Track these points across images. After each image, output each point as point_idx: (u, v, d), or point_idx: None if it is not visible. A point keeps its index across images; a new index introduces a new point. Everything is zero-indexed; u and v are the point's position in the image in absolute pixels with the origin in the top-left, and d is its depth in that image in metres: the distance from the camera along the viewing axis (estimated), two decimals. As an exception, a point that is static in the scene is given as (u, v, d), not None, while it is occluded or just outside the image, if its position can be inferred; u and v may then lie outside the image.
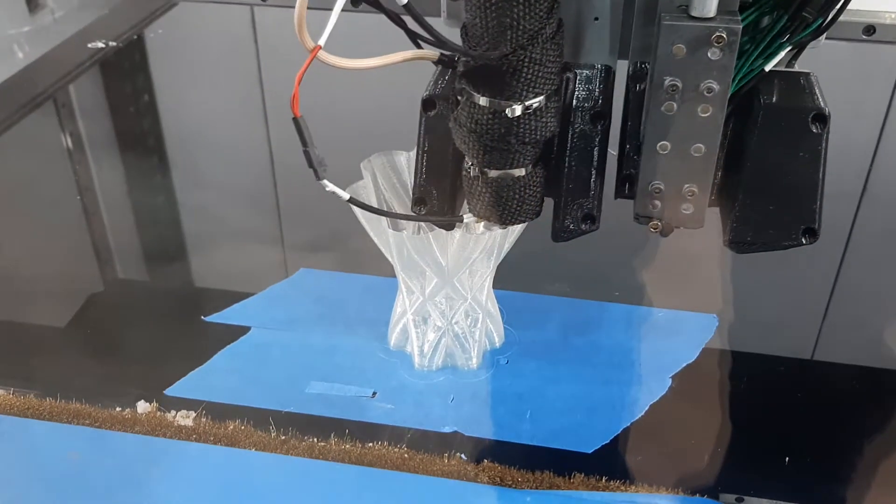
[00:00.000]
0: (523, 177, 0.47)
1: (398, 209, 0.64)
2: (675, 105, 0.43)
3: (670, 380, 0.63)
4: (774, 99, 0.45)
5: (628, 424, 0.60)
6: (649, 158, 0.46)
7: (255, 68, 1.11)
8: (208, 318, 0.69)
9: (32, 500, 0.55)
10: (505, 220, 0.49)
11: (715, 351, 0.66)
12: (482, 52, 0.41)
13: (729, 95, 0.43)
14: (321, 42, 0.41)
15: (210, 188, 0.91)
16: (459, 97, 0.45)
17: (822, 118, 0.45)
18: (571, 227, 0.50)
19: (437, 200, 0.50)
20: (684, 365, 0.65)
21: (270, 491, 0.55)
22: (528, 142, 0.45)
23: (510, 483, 0.55)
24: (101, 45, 1.13)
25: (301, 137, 0.44)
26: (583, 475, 0.56)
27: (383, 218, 0.60)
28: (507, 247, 0.60)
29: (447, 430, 0.60)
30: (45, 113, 1.02)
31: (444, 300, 0.62)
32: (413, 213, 0.51)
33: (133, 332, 0.70)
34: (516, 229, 0.60)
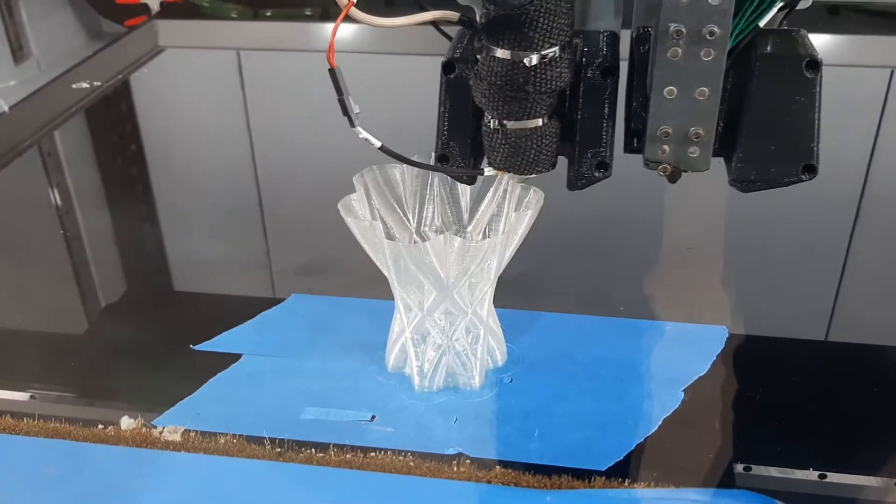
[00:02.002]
0: (539, 127, 0.51)
1: (392, 223, 0.62)
2: (679, 50, 0.47)
3: (682, 393, 0.61)
4: (770, 49, 0.49)
5: (642, 440, 0.57)
6: (657, 104, 0.49)
7: (243, 112, 1.11)
8: (198, 347, 0.66)
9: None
10: (523, 170, 0.52)
11: (728, 362, 0.64)
12: (504, 1, 0.45)
13: (729, 47, 0.47)
14: None
15: (199, 227, 0.89)
16: (479, 56, 0.49)
17: (815, 64, 0.49)
18: (587, 174, 0.53)
19: (458, 157, 0.54)
20: (696, 378, 0.62)
21: (269, 499, 0.52)
22: (544, 91, 0.48)
23: (526, 486, 0.53)
24: (85, 85, 1.12)
25: (336, 86, 0.47)
26: (603, 478, 0.53)
27: (378, 229, 0.58)
28: (507, 256, 0.58)
29: (451, 451, 0.57)
30: (29, 159, 1.01)
31: (444, 316, 0.60)
32: (438, 167, 0.55)
33: (121, 364, 0.67)
34: (516, 238, 0.58)
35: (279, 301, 0.72)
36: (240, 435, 0.57)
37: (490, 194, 0.62)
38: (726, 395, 0.61)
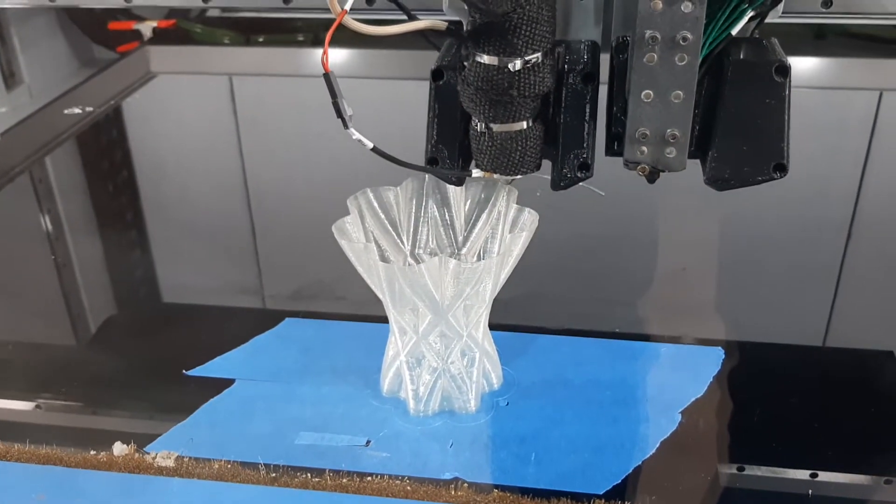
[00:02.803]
0: (524, 130, 0.53)
1: (386, 246, 0.62)
2: (655, 56, 0.50)
3: (679, 415, 0.60)
4: (741, 56, 0.52)
5: (639, 463, 0.57)
6: (635, 107, 0.52)
7: (235, 138, 1.11)
8: (191, 373, 0.66)
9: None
10: (509, 171, 0.55)
11: (724, 384, 0.63)
12: (487, 8, 0.48)
13: (703, 55, 0.50)
14: (347, 7, 0.47)
15: (191, 252, 0.89)
16: (466, 62, 0.51)
17: (784, 69, 0.52)
18: (569, 175, 0.56)
19: (447, 159, 0.56)
20: (693, 399, 0.62)
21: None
22: (527, 95, 0.51)
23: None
24: (77, 111, 1.12)
25: (330, 90, 0.49)
26: (601, 502, 0.53)
27: (373, 251, 0.58)
28: (502, 278, 0.58)
29: (448, 476, 0.56)
30: (21, 186, 1.00)
31: (439, 339, 0.59)
32: (428, 168, 0.57)
33: (114, 390, 0.66)
34: (511, 260, 0.58)
35: (272, 326, 0.71)
36: (234, 461, 0.56)
37: (485, 216, 0.62)
38: (723, 418, 0.61)
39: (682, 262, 0.79)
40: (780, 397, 0.63)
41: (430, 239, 0.63)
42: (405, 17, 0.52)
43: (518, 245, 0.57)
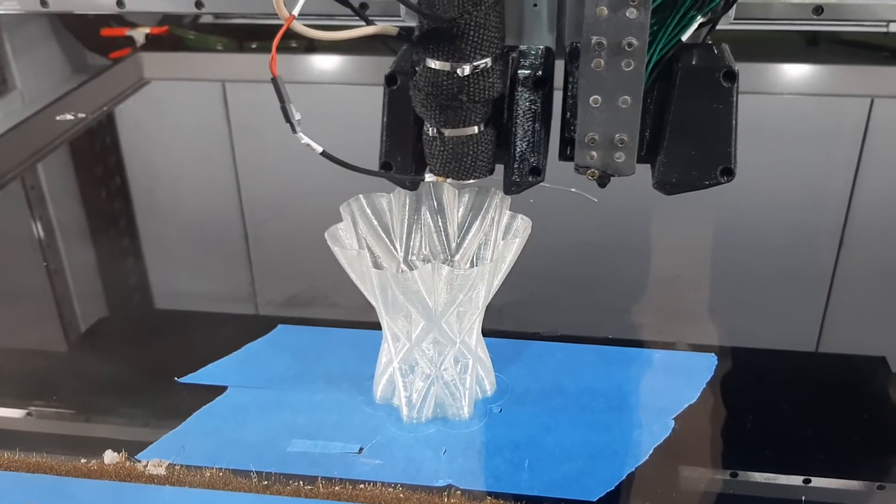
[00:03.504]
0: (476, 135, 0.54)
1: (379, 253, 0.62)
2: (602, 61, 0.50)
3: (673, 421, 0.60)
4: (690, 61, 0.53)
5: (633, 469, 0.57)
6: (584, 112, 0.52)
7: (228, 144, 1.10)
8: (183, 380, 0.65)
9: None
10: (461, 175, 0.55)
11: (717, 390, 0.63)
12: (434, 13, 0.49)
13: (654, 60, 0.51)
14: (295, 12, 0.47)
15: (184, 259, 0.89)
16: (417, 67, 0.52)
17: (732, 75, 0.52)
18: (519, 179, 0.56)
19: (400, 163, 0.56)
20: (686, 405, 0.62)
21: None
22: (477, 100, 0.52)
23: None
24: (70, 117, 1.11)
25: (279, 94, 0.49)
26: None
27: (366, 258, 0.58)
28: (495, 285, 0.58)
29: (441, 483, 0.56)
30: (12, 192, 1.00)
31: (432, 346, 0.59)
32: (381, 173, 0.57)
33: (105, 397, 0.66)
34: (504, 267, 0.57)
35: (265, 332, 0.71)
36: (226, 468, 0.56)
37: (478, 223, 0.62)
38: (716, 424, 0.61)
39: (676, 268, 0.79)
40: (773, 403, 0.63)
41: (423, 245, 0.63)
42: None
43: (511, 251, 0.57)
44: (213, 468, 0.56)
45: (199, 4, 0.99)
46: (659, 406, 0.62)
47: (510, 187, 0.57)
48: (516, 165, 0.56)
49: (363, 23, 0.52)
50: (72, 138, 1.10)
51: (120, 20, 1.41)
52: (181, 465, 0.56)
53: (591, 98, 0.51)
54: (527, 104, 0.55)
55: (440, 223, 0.62)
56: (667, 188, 0.55)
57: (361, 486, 0.55)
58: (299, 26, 0.47)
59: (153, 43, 1.39)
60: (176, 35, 1.39)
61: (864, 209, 0.89)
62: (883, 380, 0.66)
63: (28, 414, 0.64)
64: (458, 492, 0.55)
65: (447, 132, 0.53)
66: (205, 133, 1.14)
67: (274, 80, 0.49)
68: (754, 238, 0.85)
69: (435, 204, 0.62)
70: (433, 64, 0.50)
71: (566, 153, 0.56)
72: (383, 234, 0.62)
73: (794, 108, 1.14)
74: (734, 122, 0.53)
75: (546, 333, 0.69)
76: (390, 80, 0.55)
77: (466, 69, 0.50)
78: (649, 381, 0.64)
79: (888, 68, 1.21)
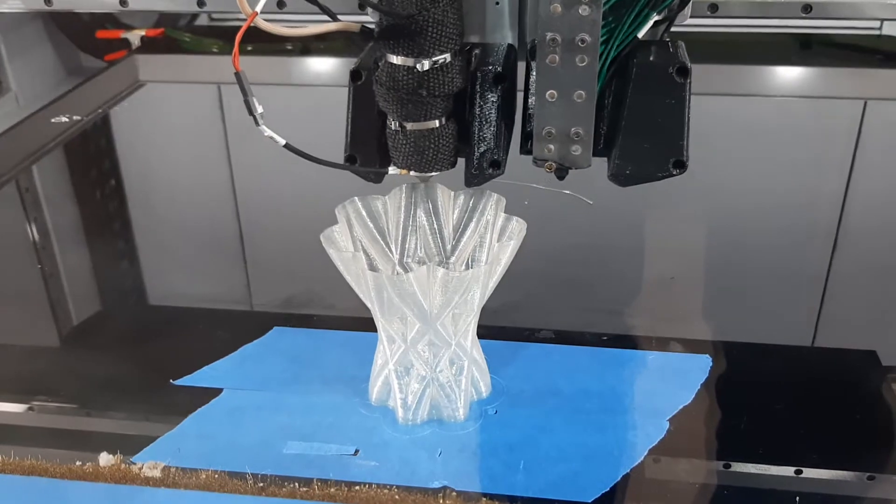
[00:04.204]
0: (437, 128, 0.55)
1: (374, 255, 0.62)
2: (557, 57, 0.52)
3: (667, 423, 0.61)
4: (644, 57, 0.54)
5: (628, 471, 0.57)
6: (541, 106, 0.54)
7: (223, 147, 1.11)
8: (178, 382, 0.65)
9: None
10: (424, 168, 0.56)
11: (711, 392, 0.64)
12: (392, 10, 0.50)
13: (611, 57, 0.53)
14: (258, 8, 0.47)
15: (179, 261, 0.88)
16: (379, 62, 0.53)
17: (684, 70, 0.53)
18: (478, 172, 0.57)
19: (364, 157, 0.58)
20: (681, 407, 0.62)
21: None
22: (437, 94, 0.53)
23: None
24: (65, 119, 1.11)
25: (242, 88, 0.50)
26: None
27: (361, 260, 0.58)
28: (490, 287, 0.58)
29: (436, 485, 0.56)
30: (7, 195, 1.00)
31: (428, 348, 0.59)
32: (346, 166, 0.58)
33: (100, 400, 0.66)
34: (499, 269, 0.58)
35: (260, 335, 0.71)
36: (221, 471, 0.56)
37: (473, 225, 0.62)
38: (711, 425, 0.61)
39: (670, 270, 0.80)
40: (767, 405, 0.63)
41: (419, 248, 0.63)
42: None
43: (506, 254, 0.58)
44: (208, 470, 0.56)
45: (200, 3, 1.00)
46: (653, 407, 0.62)
47: (470, 180, 0.58)
48: (476, 158, 0.57)
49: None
50: (67, 140, 1.10)
51: (115, 22, 1.41)
52: (176, 468, 0.56)
53: (548, 93, 0.53)
54: (486, 99, 0.56)
55: (435, 225, 0.62)
56: (621, 180, 0.56)
57: (357, 487, 0.55)
58: (262, 22, 0.48)
59: (148, 45, 1.39)
60: (171, 37, 1.39)
61: (857, 211, 0.89)
62: (873, 375, 0.67)
63: (22, 416, 0.64)
64: (454, 493, 0.55)
65: (409, 126, 0.55)
66: (200, 135, 1.14)
67: (237, 75, 0.49)
68: (748, 239, 0.85)
69: (430, 206, 0.62)
70: (393, 59, 0.52)
71: (527, 146, 0.57)
72: (378, 237, 0.62)
73: (787, 111, 1.14)
74: (686, 117, 0.54)
75: (541, 336, 0.69)
76: (355, 75, 0.56)
77: (426, 64, 0.51)
78: (644, 382, 0.65)
79: (881, 71, 1.22)
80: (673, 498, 0.55)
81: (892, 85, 1.20)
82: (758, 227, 0.87)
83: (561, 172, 0.56)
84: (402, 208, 0.62)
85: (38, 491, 0.54)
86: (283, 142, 0.52)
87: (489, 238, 0.61)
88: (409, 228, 0.62)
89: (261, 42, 1.34)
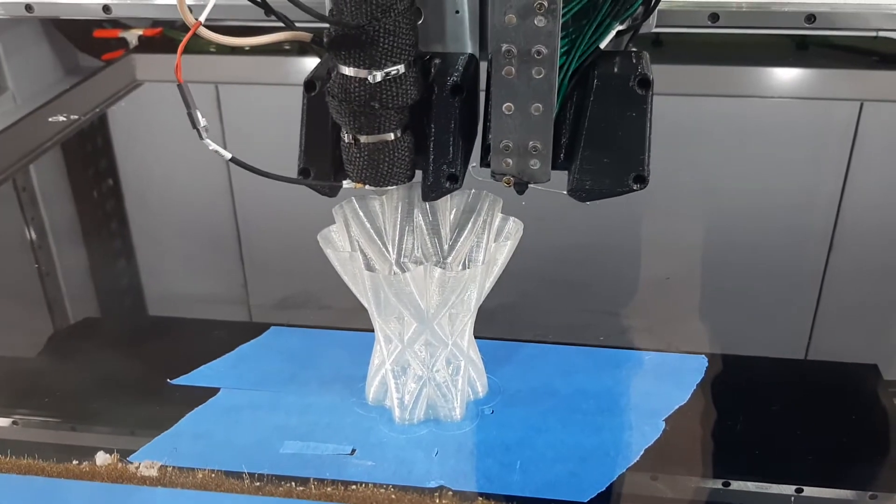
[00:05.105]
0: (392, 141, 0.53)
1: (371, 255, 0.62)
2: (513, 69, 0.50)
3: (663, 423, 0.61)
4: (605, 68, 0.53)
5: (623, 471, 0.57)
6: (497, 119, 0.52)
7: (221, 146, 1.10)
8: (175, 381, 0.65)
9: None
10: (379, 182, 0.55)
11: (707, 392, 0.64)
12: (339, 19, 0.48)
13: (573, 68, 0.52)
14: (202, 18, 0.46)
15: (176, 261, 0.88)
16: (332, 73, 0.51)
17: (646, 82, 0.52)
18: (435, 186, 0.56)
19: (318, 170, 0.56)
20: (676, 407, 0.62)
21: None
22: (390, 106, 0.51)
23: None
24: (62, 118, 1.11)
25: (185, 101, 0.48)
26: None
27: (358, 260, 0.58)
28: (487, 287, 0.58)
29: (432, 484, 0.56)
30: (4, 194, 1.00)
31: (424, 347, 0.59)
32: (299, 179, 0.56)
33: (97, 399, 0.66)
34: (496, 269, 0.58)
35: (258, 335, 0.71)
36: (218, 470, 0.56)
37: (470, 225, 0.62)
38: (706, 425, 0.61)
39: (666, 270, 0.80)
40: (763, 404, 0.63)
41: (416, 248, 0.63)
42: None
43: (503, 254, 0.58)
44: (205, 469, 0.56)
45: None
46: (649, 408, 0.62)
47: (427, 193, 0.56)
48: (432, 172, 0.55)
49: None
50: (64, 140, 1.09)
51: (113, 22, 1.40)
52: (173, 467, 0.56)
53: (504, 105, 0.51)
54: (444, 111, 0.54)
55: (432, 225, 0.62)
56: (580, 195, 0.55)
57: (353, 486, 0.55)
58: (206, 32, 0.46)
59: (146, 45, 1.38)
60: (169, 37, 1.39)
61: (853, 211, 0.90)
62: (872, 384, 0.67)
63: (19, 416, 0.64)
64: (450, 493, 0.55)
65: (363, 139, 0.53)
66: (198, 135, 1.14)
67: (179, 87, 0.48)
68: (744, 240, 0.85)
69: (427, 206, 0.62)
70: (345, 70, 0.50)
71: (486, 160, 0.56)
72: (376, 237, 0.62)
73: (784, 112, 1.14)
74: (648, 130, 0.53)
75: (538, 337, 0.70)
76: (308, 86, 0.54)
77: (378, 76, 0.50)
78: (640, 383, 0.65)
79: (877, 72, 1.22)
80: (669, 498, 0.56)
81: (889, 86, 1.20)
82: (754, 227, 0.87)
83: (520, 187, 0.55)
84: (399, 208, 0.62)
85: (34, 490, 0.55)
86: (228, 156, 0.50)
87: (486, 238, 0.61)
88: (407, 228, 0.62)
89: (258, 42, 1.34)
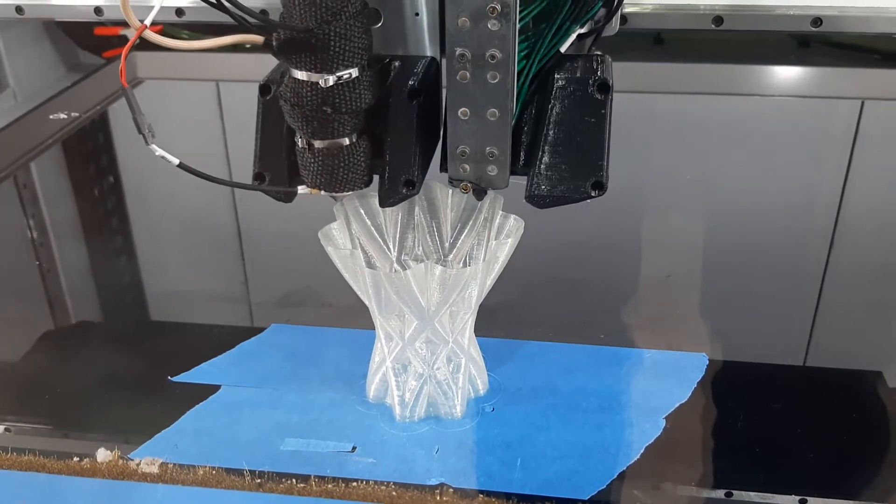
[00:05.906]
0: (347, 146, 0.52)
1: (372, 252, 0.62)
2: (467, 74, 0.49)
3: (664, 421, 0.61)
4: (565, 73, 0.52)
5: (624, 468, 0.57)
6: (453, 124, 0.51)
7: (222, 144, 1.11)
8: (176, 379, 0.65)
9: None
10: (334, 188, 0.54)
11: (708, 390, 0.64)
12: (287, 24, 0.47)
13: (533, 72, 0.51)
14: (147, 22, 0.45)
15: (177, 258, 0.89)
16: (284, 77, 0.50)
17: (605, 87, 0.51)
18: (391, 192, 0.55)
19: (274, 175, 0.55)
20: (677, 405, 0.62)
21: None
22: (344, 111, 0.50)
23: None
24: (63, 116, 1.11)
25: (130, 105, 0.47)
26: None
27: (359, 258, 0.58)
28: (488, 285, 0.58)
29: (433, 482, 0.56)
30: (4, 191, 1.00)
31: (425, 345, 0.60)
32: (253, 185, 0.55)
33: (98, 396, 0.66)
34: (496, 266, 0.58)
35: (258, 332, 0.71)
36: (219, 467, 0.56)
37: (470, 223, 0.62)
38: (707, 423, 0.61)
39: (667, 268, 0.80)
40: (764, 402, 0.63)
41: (417, 245, 0.63)
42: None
43: (504, 251, 0.58)
44: (205, 466, 0.56)
45: (179, 13, 0.99)
46: (650, 406, 0.62)
47: (384, 199, 0.55)
48: (388, 178, 0.54)
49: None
50: (65, 137, 1.10)
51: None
52: (174, 464, 0.56)
53: (460, 110, 0.50)
54: (401, 115, 0.53)
55: (433, 223, 0.62)
56: (538, 201, 0.54)
57: (354, 484, 0.55)
58: (152, 35, 0.45)
59: (147, 42, 1.38)
60: (169, 35, 1.39)
61: (854, 210, 0.89)
62: (875, 387, 0.67)
63: (21, 412, 0.64)
64: (451, 490, 0.55)
65: (317, 144, 0.52)
66: (199, 133, 1.14)
67: (125, 92, 0.47)
68: (745, 239, 0.85)
69: (427, 204, 0.62)
70: (297, 74, 0.49)
71: (445, 165, 0.55)
72: (376, 234, 0.62)
73: (784, 111, 1.14)
74: (607, 135, 0.52)
75: (538, 334, 0.70)
76: (264, 89, 0.53)
77: (330, 80, 0.48)
78: (641, 380, 0.65)
79: (879, 71, 1.22)
80: (669, 496, 0.56)
81: (891, 85, 1.20)
82: (755, 225, 0.87)
83: (479, 193, 0.54)
84: (400, 206, 0.62)
85: (35, 487, 0.55)
86: (176, 161, 0.49)
87: (487, 235, 0.61)
88: (407, 226, 0.63)
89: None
